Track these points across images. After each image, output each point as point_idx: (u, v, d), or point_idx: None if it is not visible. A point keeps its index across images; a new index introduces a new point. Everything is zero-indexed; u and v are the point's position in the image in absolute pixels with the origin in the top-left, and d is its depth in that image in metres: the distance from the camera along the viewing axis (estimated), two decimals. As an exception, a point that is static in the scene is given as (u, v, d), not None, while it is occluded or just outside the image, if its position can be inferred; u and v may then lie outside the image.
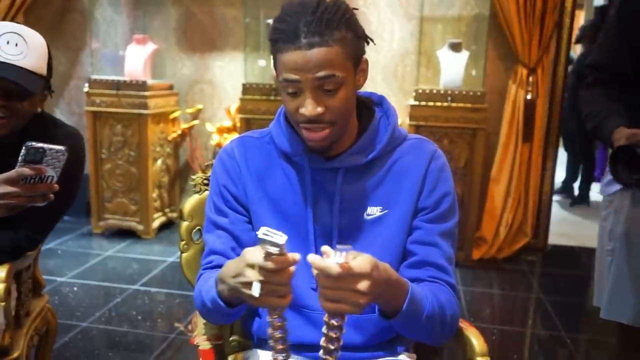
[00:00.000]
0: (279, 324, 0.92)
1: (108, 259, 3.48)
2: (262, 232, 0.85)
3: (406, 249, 1.13)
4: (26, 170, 1.21)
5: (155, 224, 3.94)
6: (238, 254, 1.10)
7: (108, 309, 2.77)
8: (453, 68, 3.58)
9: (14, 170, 1.22)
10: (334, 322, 0.89)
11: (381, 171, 1.14)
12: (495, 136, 3.69)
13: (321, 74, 0.98)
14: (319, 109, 1.01)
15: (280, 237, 0.85)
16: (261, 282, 0.87)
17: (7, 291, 1.49)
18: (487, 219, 3.69)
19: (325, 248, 0.89)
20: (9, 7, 3.86)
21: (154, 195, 3.92)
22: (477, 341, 1.11)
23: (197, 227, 1.35)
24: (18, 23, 1.43)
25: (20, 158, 1.21)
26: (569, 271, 3.68)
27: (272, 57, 1.04)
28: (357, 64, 1.04)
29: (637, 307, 1.37)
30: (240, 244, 1.15)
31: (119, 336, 2.53)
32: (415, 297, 1.00)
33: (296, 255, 0.89)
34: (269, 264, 0.87)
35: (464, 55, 3.58)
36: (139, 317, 2.70)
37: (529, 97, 3.57)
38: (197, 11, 4.06)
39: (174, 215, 4.18)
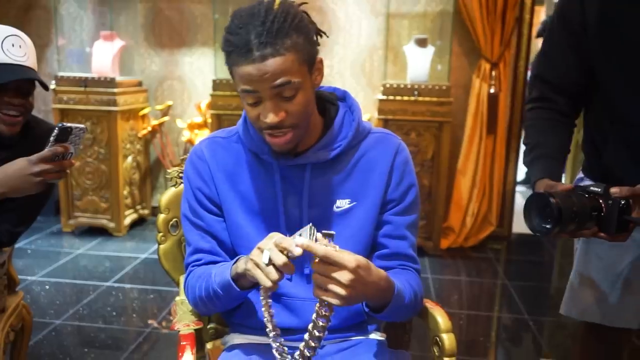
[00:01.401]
0: (325, 313, 0.96)
1: (79, 257, 3.46)
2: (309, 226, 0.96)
3: (376, 241, 1.19)
4: (59, 149, 1.30)
5: (127, 221, 3.92)
6: (225, 251, 1.19)
7: (81, 307, 2.76)
8: (419, 63, 3.66)
9: (47, 149, 1.30)
10: (322, 311, 0.95)
11: (348, 165, 1.18)
12: (461, 129, 3.79)
13: (278, 82, 1.00)
14: (280, 115, 1.04)
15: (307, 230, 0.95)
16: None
17: (-17, 287, 1.51)
18: (454, 210, 3.79)
19: (317, 235, 0.95)
20: (-30, 4, 3.79)
21: (125, 192, 3.91)
22: (442, 319, 1.18)
23: (174, 219, 1.39)
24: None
25: (51, 138, 1.30)
26: (533, 258, 3.81)
27: (227, 67, 1.06)
28: (311, 65, 1.06)
29: (593, 307, 1.42)
30: (220, 243, 1.20)
31: (94, 332, 2.53)
32: (400, 292, 1.07)
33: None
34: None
35: (430, 50, 3.66)
36: (113, 314, 2.71)
37: (492, 90, 3.68)
38: (165, 7, 4.04)
39: (146, 212, 4.17)
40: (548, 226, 1.10)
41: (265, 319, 1.03)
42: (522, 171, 5.03)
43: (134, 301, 2.89)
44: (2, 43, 1.40)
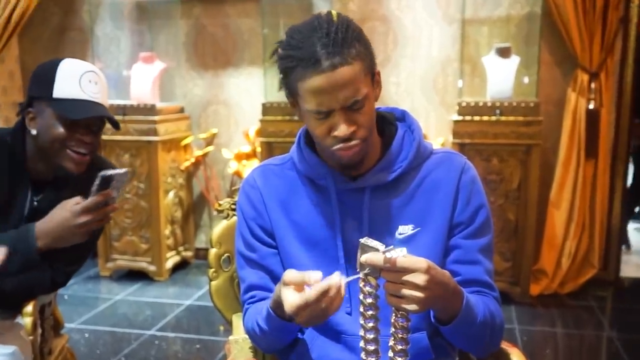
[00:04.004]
0: (402, 324, 1.17)
1: (119, 304, 3.95)
2: (365, 240, 1.16)
3: (447, 269, 1.33)
4: (101, 198, 1.62)
5: (169, 264, 4.40)
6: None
7: (123, 356, 3.20)
8: (501, 76, 3.88)
9: (90, 200, 1.61)
10: (399, 322, 1.16)
11: (410, 188, 1.38)
12: (553, 153, 4.01)
13: (348, 93, 1.22)
14: (351, 127, 1.26)
15: (380, 245, 1.14)
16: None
17: (34, 325, 1.93)
18: (547, 249, 4.00)
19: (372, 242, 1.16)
20: (2, 28, 4.34)
21: (167, 232, 4.38)
22: (518, 360, 1.37)
23: (226, 254, 1.69)
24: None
25: (94, 188, 1.60)
26: (647, 307, 3.94)
27: (285, 85, 1.30)
28: (373, 76, 1.30)
29: None
30: (274, 278, 1.41)
31: (136, 384, 2.95)
32: (470, 302, 1.24)
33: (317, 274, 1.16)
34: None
35: (514, 61, 3.89)
36: (156, 365, 3.13)
37: (591, 106, 3.85)
38: (209, 23, 4.55)
39: (189, 254, 4.64)
40: None
41: (393, 338, 1.20)
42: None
43: (178, 352, 3.31)
44: (80, 79, 1.68)
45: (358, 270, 1.18)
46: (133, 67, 4.46)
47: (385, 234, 1.34)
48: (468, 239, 1.38)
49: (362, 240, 1.16)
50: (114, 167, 1.79)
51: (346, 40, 1.22)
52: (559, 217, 3.97)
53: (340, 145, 1.28)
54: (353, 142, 1.28)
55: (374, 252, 1.14)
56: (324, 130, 1.28)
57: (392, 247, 1.13)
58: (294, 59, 1.23)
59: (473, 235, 1.38)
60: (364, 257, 1.14)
